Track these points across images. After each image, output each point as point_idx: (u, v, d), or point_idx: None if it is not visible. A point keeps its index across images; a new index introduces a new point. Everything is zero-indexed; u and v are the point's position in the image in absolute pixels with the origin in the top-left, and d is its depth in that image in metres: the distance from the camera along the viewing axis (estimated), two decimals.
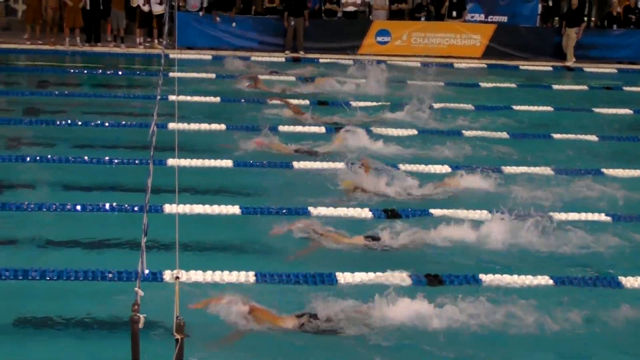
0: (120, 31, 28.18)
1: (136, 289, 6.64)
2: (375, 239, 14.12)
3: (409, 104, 22.30)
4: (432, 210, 15.50)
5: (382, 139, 19.59)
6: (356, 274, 12.87)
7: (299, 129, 20.27)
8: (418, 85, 25.64)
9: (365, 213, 15.31)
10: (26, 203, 14.83)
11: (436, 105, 22.92)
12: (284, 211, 15.17)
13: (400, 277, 12.84)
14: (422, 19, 30.26)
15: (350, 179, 16.60)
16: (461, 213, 15.33)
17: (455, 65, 29.15)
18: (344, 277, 12.81)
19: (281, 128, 20.00)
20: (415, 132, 20.43)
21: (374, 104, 23.04)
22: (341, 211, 15.28)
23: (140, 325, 6.42)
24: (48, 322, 11.05)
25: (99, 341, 10.70)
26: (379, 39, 29.54)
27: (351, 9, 29.94)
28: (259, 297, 11.88)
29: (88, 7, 27.68)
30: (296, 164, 17.64)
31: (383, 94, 23.97)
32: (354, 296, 12.02)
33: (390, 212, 15.35)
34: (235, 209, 15.07)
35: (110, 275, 12.38)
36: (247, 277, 12.66)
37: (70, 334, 10.87)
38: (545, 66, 29.57)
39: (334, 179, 16.74)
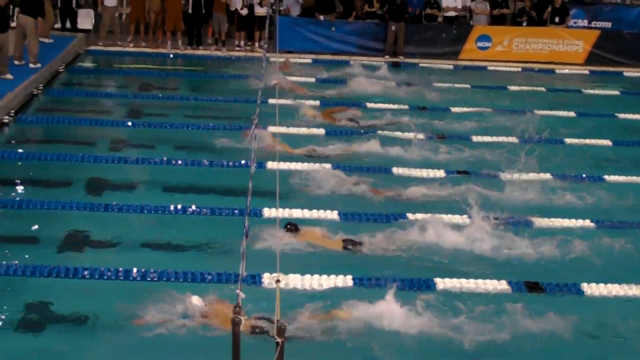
0: (222, 34, 28.45)
1: (238, 291, 6.66)
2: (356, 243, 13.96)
3: (510, 110, 22.07)
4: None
5: (482, 146, 19.41)
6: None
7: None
8: (519, 91, 25.39)
9: None
10: (128, 204, 15.01)
11: (537, 112, 22.66)
12: (385, 216, 15.09)
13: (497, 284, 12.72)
14: (524, 24, 29.95)
15: None
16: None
17: (557, 71, 28.73)
18: (444, 283, 12.72)
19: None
20: (515, 139, 20.18)
21: (474, 109, 22.84)
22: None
23: (242, 328, 6.44)
24: (149, 323, 11.13)
25: (200, 342, 10.76)
26: (480, 44, 29.32)
27: (452, 14, 29.77)
28: (357, 301, 11.94)
29: (190, 11, 27.98)
30: (395, 170, 17.54)
31: (483, 100, 23.75)
32: None
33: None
34: (334, 214, 15.04)
35: (209, 277, 12.45)
36: (345, 281, 12.62)
37: (170, 335, 10.94)
38: None
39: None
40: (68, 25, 28.35)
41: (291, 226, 13.88)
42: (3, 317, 11.12)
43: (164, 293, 11.51)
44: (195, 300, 10.40)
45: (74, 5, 28.22)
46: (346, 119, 20.95)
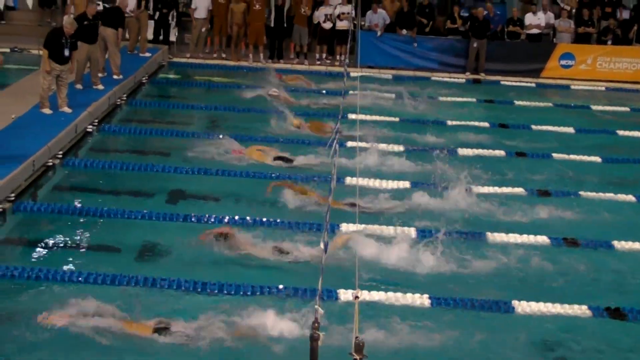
0: (303, 47, 28.56)
1: (316, 306, 6.65)
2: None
3: (593, 130, 21.84)
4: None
5: (564, 165, 19.23)
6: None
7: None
8: (602, 110, 25.10)
9: None
10: (207, 215, 15.11)
11: (621, 133, 22.39)
12: (461, 234, 15.00)
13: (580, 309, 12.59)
14: (609, 42, 29.52)
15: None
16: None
17: None
18: (521, 306, 12.58)
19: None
20: (599, 159, 19.93)
21: (556, 128, 22.61)
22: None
23: (320, 343, 6.42)
24: (224, 337, 11.19)
25: (276, 357, 10.79)
26: (563, 62, 28.98)
27: (535, 31, 29.46)
28: (433, 322, 11.89)
29: (272, 25, 28.14)
30: (475, 188, 17.40)
31: (565, 119, 23.51)
32: None
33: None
34: (411, 231, 14.98)
35: (287, 292, 12.48)
36: (421, 299, 12.56)
37: (249, 349, 10.99)
38: None
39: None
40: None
41: (221, 236, 13.85)
42: (84, 325, 11.22)
43: (238, 307, 11.54)
44: None
45: (170, 19, 28.51)
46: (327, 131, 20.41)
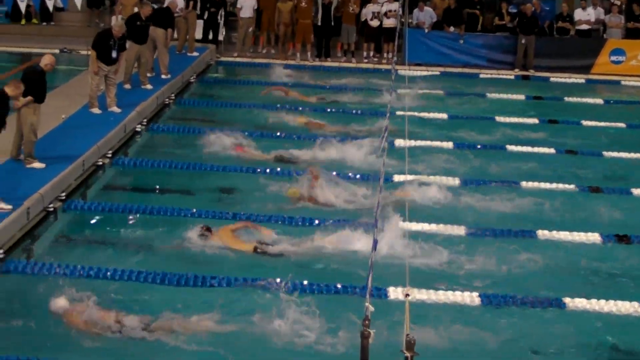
0: (351, 46, 28.53)
1: (367, 304, 6.62)
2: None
3: None
4: None
5: (615, 162, 19.06)
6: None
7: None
8: None
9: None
10: (255, 214, 15.13)
11: None
12: (511, 233, 14.89)
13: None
14: None
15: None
16: None
17: None
18: (573, 303, 12.46)
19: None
20: None
21: (607, 124, 22.40)
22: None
23: (370, 340, 6.40)
24: (278, 334, 11.22)
25: (328, 353, 10.79)
26: (613, 58, 28.66)
27: (585, 27, 29.18)
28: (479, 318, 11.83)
29: (319, 23, 28.14)
30: (524, 185, 17.30)
31: (616, 115, 23.27)
32: None
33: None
34: (461, 229, 14.90)
35: (337, 287, 12.46)
36: (471, 297, 12.48)
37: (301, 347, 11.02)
38: None
39: None
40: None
41: (204, 229, 13.90)
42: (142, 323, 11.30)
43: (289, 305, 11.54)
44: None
45: (218, 19, 28.63)
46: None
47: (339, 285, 12.48)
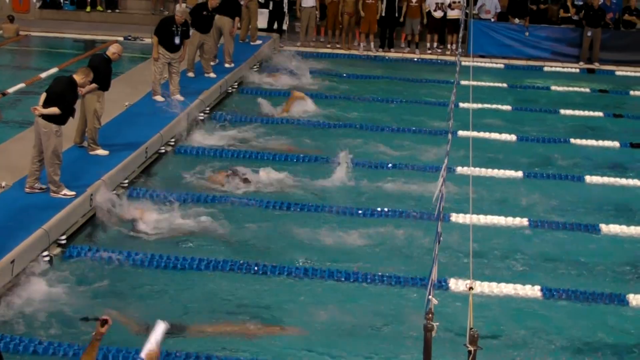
0: (415, 37, 28.38)
1: (430, 296, 6.57)
2: None
3: None
4: None
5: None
6: None
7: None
8: None
9: None
10: (317, 205, 15.19)
11: None
12: (574, 226, 14.75)
13: None
14: None
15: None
16: None
17: None
18: (635, 300, 12.31)
19: None
20: None
21: None
22: None
23: (434, 334, 6.36)
24: (332, 325, 11.23)
25: (389, 347, 10.77)
26: None
27: None
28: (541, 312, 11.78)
29: (383, 14, 28.01)
30: (588, 179, 17.12)
31: None
32: None
33: None
34: (524, 221, 14.78)
35: (401, 281, 12.45)
36: (533, 291, 12.38)
37: (359, 336, 11.01)
38: None
39: None
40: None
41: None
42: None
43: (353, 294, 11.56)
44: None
45: (284, 8, 28.65)
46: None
47: (400, 277, 12.48)
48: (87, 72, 14.27)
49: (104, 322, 7.47)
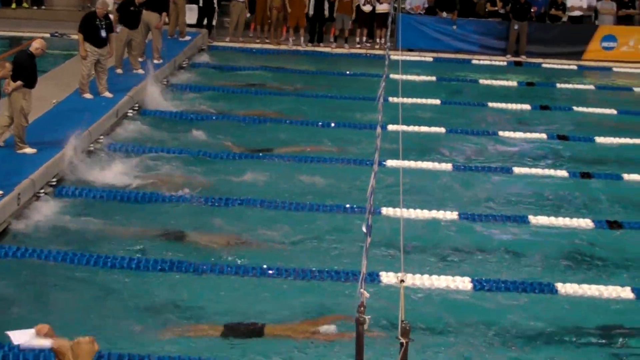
0: (345, 32, 28.41)
1: (362, 290, 6.60)
2: None
3: (636, 112, 21.71)
4: None
5: (606, 148, 19.11)
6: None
7: None
8: None
9: None
10: (253, 199, 15.11)
11: None
12: (503, 218, 14.91)
13: None
14: None
15: None
16: None
17: None
18: (564, 288, 12.50)
19: None
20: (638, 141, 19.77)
21: (598, 110, 22.44)
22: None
23: (366, 327, 6.39)
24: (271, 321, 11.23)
25: (322, 341, 10.78)
26: (605, 44, 28.65)
27: (577, 13, 29.17)
28: (471, 303, 11.88)
29: (312, 12, 28.02)
30: (516, 170, 17.33)
31: (608, 101, 23.30)
32: None
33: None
34: (454, 214, 14.92)
35: (331, 275, 12.46)
36: (463, 282, 12.50)
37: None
38: None
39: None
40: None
41: None
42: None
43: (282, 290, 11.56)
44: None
45: (214, 4, 28.46)
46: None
47: (332, 271, 12.51)
48: (2, 63, 14.07)
49: None
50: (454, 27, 28.59)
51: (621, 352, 11.09)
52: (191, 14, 27.78)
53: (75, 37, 20.99)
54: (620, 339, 11.37)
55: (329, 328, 10.88)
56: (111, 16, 20.46)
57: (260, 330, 10.88)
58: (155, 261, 12.57)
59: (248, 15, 28.47)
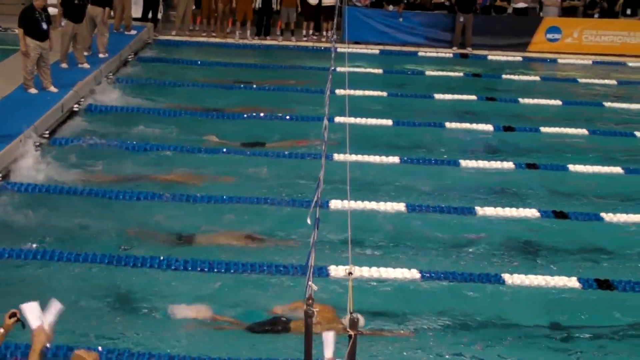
0: (291, 25, 28.39)
1: (310, 283, 6.61)
2: None
3: (580, 103, 21.92)
4: None
5: (551, 138, 19.30)
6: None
7: None
8: (589, 83, 25.12)
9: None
10: (196, 195, 15.07)
11: (607, 105, 22.47)
12: (450, 210, 15.01)
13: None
14: (595, 16, 29.48)
15: None
16: None
17: (629, 64, 28.18)
18: (512, 279, 12.61)
19: None
20: (585, 132, 19.96)
21: (543, 101, 22.64)
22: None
23: (315, 320, 6.40)
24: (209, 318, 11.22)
25: (270, 336, 10.80)
26: (549, 36, 28.90)
27: (522, 5, 29.39)
28: (420, 294, 11.93)
29: (259, 6, 27.99)
30: (463, 162, 17.43)
31: (553, 92, 23.52)
32: None
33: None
34: (401, 206, 14.98)
35: (281, 269, 12.47)
36: (411, 273, 12.56)
37: (240, 328, 11.01)
38: None
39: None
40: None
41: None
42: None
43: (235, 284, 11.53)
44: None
45: None
46: None
47: (281, 265, 12.52)
48: None
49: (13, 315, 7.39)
50: (400, 19, 28.67)
51: (567, 341, 11.21)
52: (136, 7, 27.60)
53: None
54: (566, 328, 11.50)
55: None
56: (55, 10, 20.25)
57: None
58: (102, 255, 12.53)
59: (194, 8, 28.37)
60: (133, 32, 26.27)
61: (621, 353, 11.03)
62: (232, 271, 12.37)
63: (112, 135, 18.03)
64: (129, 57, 24.76)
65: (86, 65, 21.60)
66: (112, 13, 24.74)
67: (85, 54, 22.18)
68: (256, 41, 28.08)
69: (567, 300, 12.29)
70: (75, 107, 19.42)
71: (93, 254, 12.52)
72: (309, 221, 7.40)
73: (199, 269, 12.40)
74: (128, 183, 15.53)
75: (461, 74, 25.52)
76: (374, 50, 28.04)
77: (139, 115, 19.45)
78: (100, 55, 22.85)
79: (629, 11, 29.31)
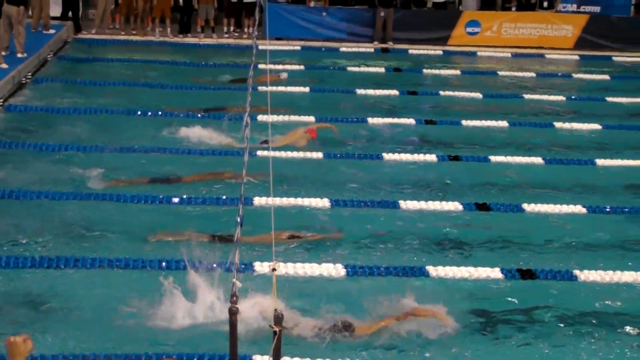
0: (210, 22, 28.28)
1: (234, 280, 6.62)
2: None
3: (500, 95, 22.19)
4: None
5: (472, 131, 19.53)
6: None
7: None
8: (508, 76, 25.43)
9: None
10: (117, 194, 14.98)
11: (527, 96, 22.78)
12: (374, 204, 15.08)
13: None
14: (513, 9, 29.86)
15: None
16: None
17: (547, 56, 28.62)
18: (436, 271, 12.73)
19: None
20: (505, 124, 20.21)
21: (464, 94, 22.87)
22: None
23: (239, 317, 6.41)
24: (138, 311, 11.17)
25: (196, 332, 10.76)
26: (469, 29, 29.18)
27: None
28: (350, 291, 11.96)
29: (181, 3, 27.87)
30: (386, 156, 17.54)
31: (473, 85, 23.76)
32: None
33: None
34: (325, 201, 15.02)
35: (205, 264, 12.42)
36: (336, 269, 12.61)
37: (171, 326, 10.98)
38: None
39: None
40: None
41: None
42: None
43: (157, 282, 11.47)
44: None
45: None
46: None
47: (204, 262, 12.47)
48: None
49: None
50: (324, 14, 28.70)
51: (491, 331, 11.34)
52: (55, 6, 27.27)
53: None
54: (490, 319, 11.63)
55: None
56: None
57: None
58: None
59: (113, 7, 28.12)
60: (52, 31, 25.95)
61: (545, 341, 11.18)
62: (155, 268, 12.33)
63: (29, 135, 17.77)
64: (48, 56, 24.45)
65: (4, 66, 21.30)
66: (30, 12, 24.40)
67: (3, 53, 21.88)
68: (177, 39, 27.91)
69: (490, 290, 12.43)
70: None
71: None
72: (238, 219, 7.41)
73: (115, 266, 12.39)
74: (45, 182, 15.33)
75: (382, 69, 25.65)
76: (296, 46, 28.04)
77: (57, 115, 19.20)
78: (19, 55, 22.54)
79: (545, 4, 29.69)
